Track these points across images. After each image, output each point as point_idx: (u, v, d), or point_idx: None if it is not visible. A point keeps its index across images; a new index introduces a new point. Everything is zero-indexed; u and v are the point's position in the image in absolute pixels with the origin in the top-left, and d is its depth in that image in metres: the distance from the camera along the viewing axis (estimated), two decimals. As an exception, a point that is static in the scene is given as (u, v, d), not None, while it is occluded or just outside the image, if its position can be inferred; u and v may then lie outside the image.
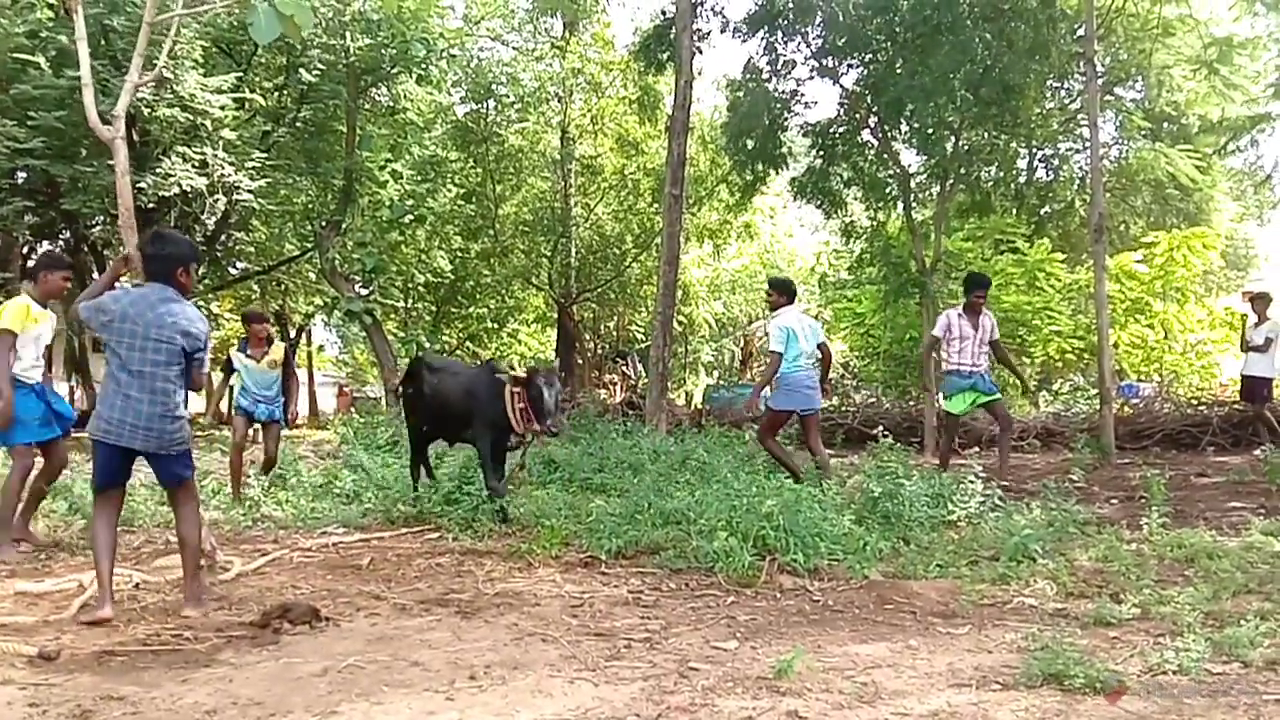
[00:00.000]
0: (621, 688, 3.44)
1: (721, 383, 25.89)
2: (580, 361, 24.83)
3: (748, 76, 15.60)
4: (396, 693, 3.36)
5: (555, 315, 25.32)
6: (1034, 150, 18.12)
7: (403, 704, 3.24)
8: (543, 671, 3.61)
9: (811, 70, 15.07)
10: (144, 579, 5.26)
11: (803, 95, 15.30)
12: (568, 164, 22.48)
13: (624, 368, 24.90)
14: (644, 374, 23.43)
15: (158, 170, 14.43)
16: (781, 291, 8.34)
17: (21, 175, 15.27)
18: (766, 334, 8.93)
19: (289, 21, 5.06)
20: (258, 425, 8.89)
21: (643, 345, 26.94)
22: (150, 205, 14.33)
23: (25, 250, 18.60)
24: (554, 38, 22.33)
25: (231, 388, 9.10)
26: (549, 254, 23.04)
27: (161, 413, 4.46)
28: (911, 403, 16.19)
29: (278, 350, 8.91)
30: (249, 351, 8.76)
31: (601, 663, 3.75)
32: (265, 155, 16.73)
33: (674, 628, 4.33)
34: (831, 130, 15.15)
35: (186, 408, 4.71)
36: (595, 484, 8.60)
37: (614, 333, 29.12)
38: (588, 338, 27.23)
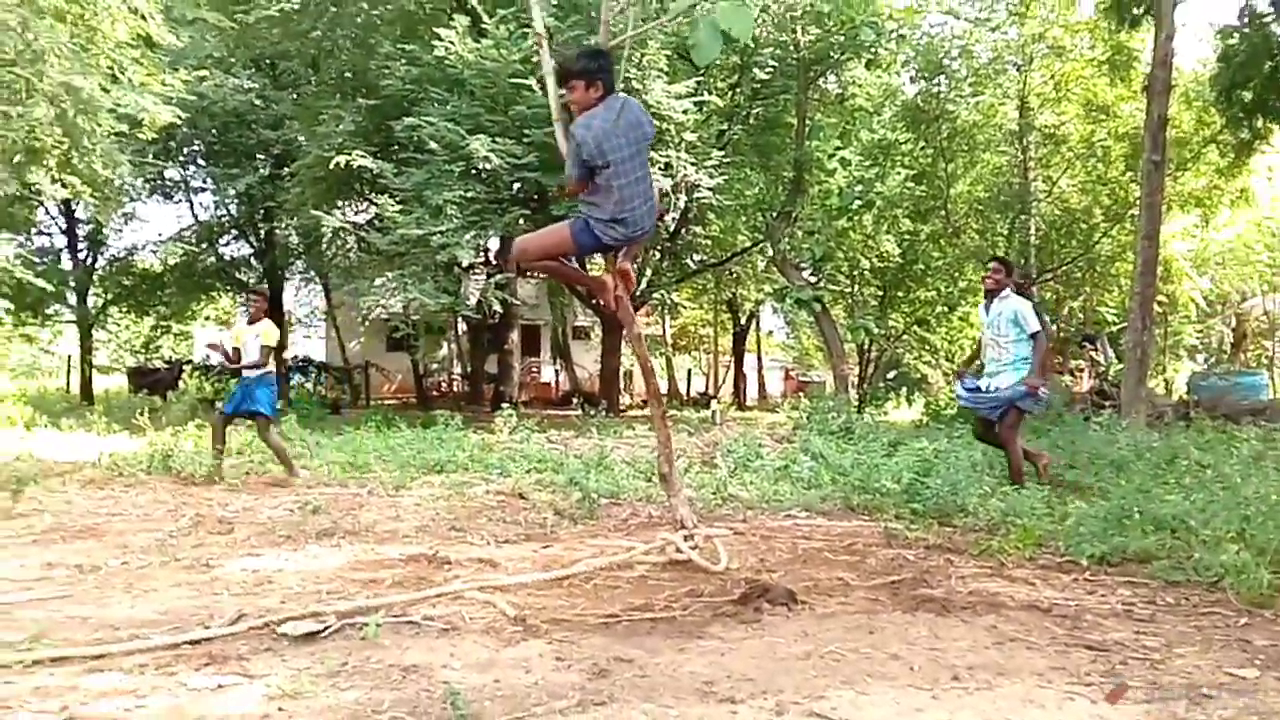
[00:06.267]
0: (1123, 707, 3.18)
1: (1212, 369, 22.99)
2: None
3: (1244, 21, 13.98)
4: (880, 684, 3.39)
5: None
6: None
7: (888, 697, 3.26)
8: (1030, 681, 3.44)
9: (1331, 3, 13.02)
10: (636, 550, 5.81)
11: (1316, 34, 13.25)
12: (1027, 136, 21.22)
13: (1092, 352, 22.97)
14: (1114, 359, 21.50)
15: (629, 175, 15.82)
16: None
17: (517, 185, 17.49)
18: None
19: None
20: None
21: (1113, 327, 24.71)
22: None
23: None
24: (1011, 4, 21.13)
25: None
26: (1005, 233, 21.94)
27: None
28: None
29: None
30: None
31: (1096, 678, 3.49)
32: (721, 153, 17.65)
33: (1176, 647, 3.91)
34: (1358, 72, 13.04)
35: None
36: (1068, 481, 8.04)
37: (1079, 314, 26.98)
38: (1049, 320, 25.50)
